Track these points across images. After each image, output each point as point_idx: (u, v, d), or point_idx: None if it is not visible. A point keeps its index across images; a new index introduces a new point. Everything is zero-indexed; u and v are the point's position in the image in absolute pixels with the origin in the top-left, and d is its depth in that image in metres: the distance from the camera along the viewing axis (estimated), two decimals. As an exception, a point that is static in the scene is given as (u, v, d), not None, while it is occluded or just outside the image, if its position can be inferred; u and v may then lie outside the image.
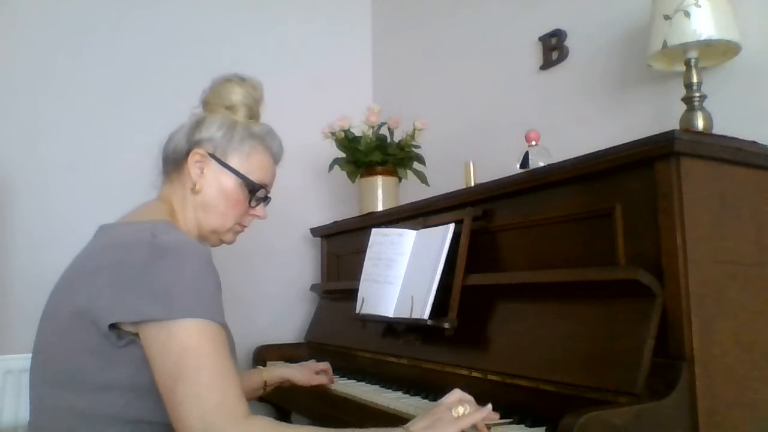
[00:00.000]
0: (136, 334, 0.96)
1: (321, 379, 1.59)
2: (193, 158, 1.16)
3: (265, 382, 1.53)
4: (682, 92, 1.41)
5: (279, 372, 1.56)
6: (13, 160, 1.98)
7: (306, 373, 1.58)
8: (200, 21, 2.40)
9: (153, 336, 0.94)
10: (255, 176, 1.20)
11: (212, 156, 1.17)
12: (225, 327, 1.00)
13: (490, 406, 1.04)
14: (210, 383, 0.91)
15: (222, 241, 1.23)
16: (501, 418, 1.14)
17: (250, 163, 1.19)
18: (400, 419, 1.26)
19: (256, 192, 1.21)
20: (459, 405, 1.02)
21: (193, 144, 1.18)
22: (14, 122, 2.01)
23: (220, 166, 1.17)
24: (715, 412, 1.04)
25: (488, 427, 1.06)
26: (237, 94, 1.21)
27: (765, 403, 1.11)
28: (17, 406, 1.83)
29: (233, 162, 1.18)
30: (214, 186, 1.17)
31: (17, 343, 1.80)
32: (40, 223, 2.00)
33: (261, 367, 1.59)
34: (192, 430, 0.89)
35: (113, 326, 0.95)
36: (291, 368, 1.59)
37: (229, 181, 1.18)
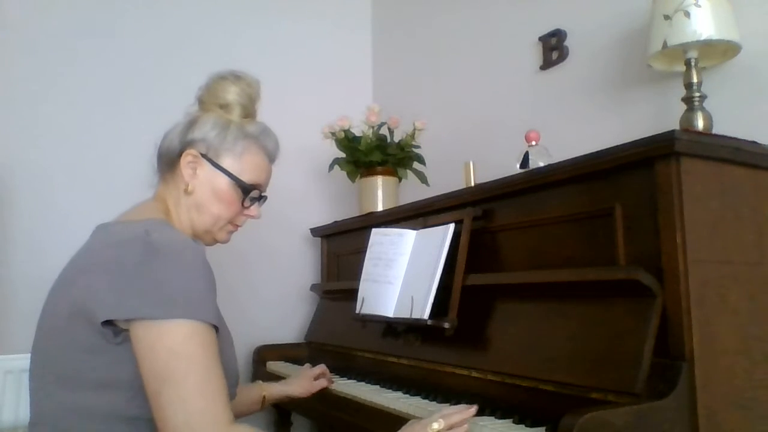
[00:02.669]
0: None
1: (321, 384, 1.58)
2: (185, 159, 1.16)
3: (264, 397, 1.51)
4: (682, 92, 1.41)
5: (279, 389, 1.55)
6: (13, 160, 1.98)
7: (304, 385, 1.57)
8: (200, 21, 2.40)
9: (141, 335, 0.94)
10: (248, 177, 1.19)
11: (205, 156, 1.17)
12: (219, 326, 1.00)
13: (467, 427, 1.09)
14: (196, 389, 0.92)
15: (216, 241, 1.23)
16: (501, 418, 1.15)
17: (242, 163, 1.18)
18: (400, 419, 1.26)
19: (249, 192, 1.20)
20: (434, 422, 1.05)
21: (185, 144, 1.17)
22: (14, 122, 2.01)
23: (213, 167, 1.17)
24: (715, 412, 1.04)
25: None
26: (231, 93, 1.20)
27: (765, 403, 1.11)
28: (17, 406, 1.83)
29: (226, 162, 1.17)
30: (206, 187, 1.17)
31: (17, 343, 1.80)
32: (40, 223, 2.00)
33: (261, 382, 1.56)
34: None
35: (109, 323, 0.95)
36: (290, 384, 1.58)
37: (222, 182, 1.17)
